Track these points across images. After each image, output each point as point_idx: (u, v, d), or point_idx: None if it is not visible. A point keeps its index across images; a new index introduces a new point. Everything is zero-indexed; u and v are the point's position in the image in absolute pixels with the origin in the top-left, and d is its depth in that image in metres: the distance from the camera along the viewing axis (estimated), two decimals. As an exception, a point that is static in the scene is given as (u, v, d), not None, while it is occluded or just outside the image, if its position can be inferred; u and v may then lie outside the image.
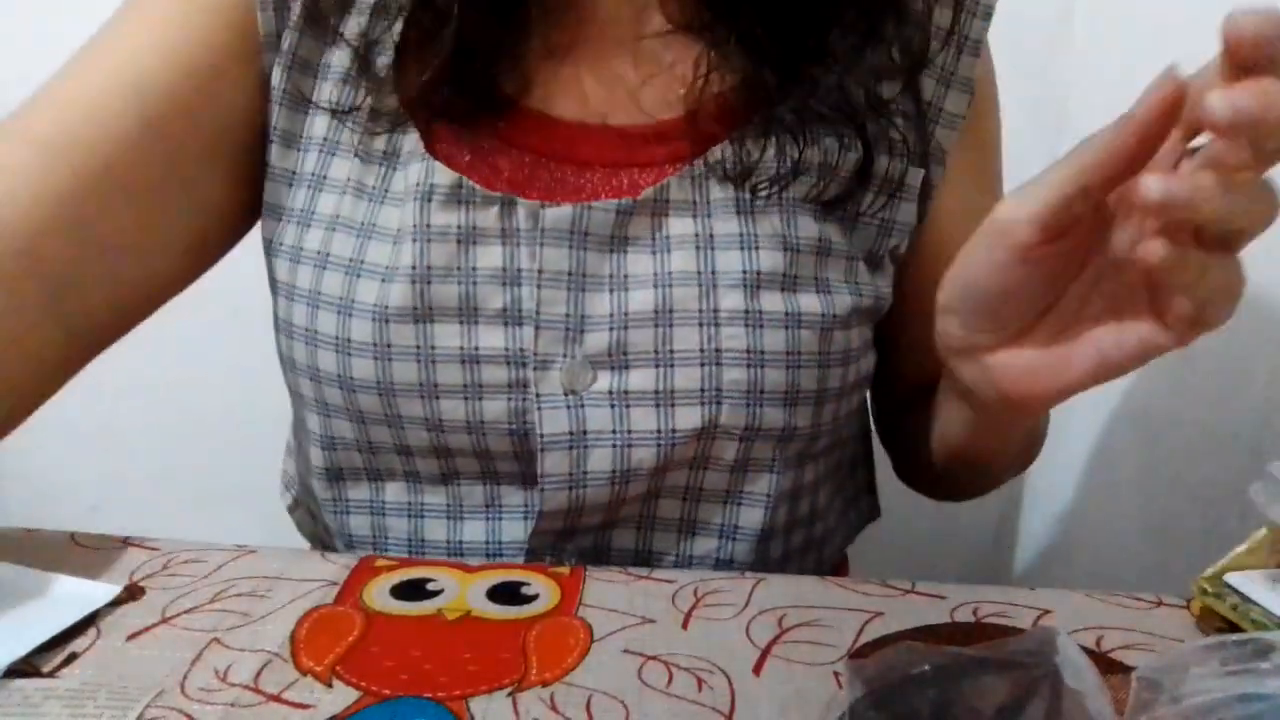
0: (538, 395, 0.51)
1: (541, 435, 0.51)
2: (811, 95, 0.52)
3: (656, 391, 0.51)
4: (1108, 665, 0.43)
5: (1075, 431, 0.93)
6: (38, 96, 0.50)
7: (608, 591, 0.47)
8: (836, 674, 0.41)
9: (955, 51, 0.56)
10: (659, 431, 0.51)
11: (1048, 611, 0.47)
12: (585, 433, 0.51)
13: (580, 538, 0.54)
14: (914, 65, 0.54)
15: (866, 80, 0.53)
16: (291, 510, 0.65)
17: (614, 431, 0.51)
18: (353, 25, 0.53)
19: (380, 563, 0.50)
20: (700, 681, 0.41)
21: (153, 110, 0.50)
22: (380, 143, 0.52)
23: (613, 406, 0.51)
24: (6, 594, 0.45)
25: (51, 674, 0.40)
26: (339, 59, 0.53)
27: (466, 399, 0.51)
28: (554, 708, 0.38)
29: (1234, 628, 0.44)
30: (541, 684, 0.40)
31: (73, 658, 0.41)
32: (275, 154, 0.54)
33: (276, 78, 0.53)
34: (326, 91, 0.54)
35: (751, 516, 0.54)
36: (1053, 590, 0.49)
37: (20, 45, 1.03)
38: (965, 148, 0.58)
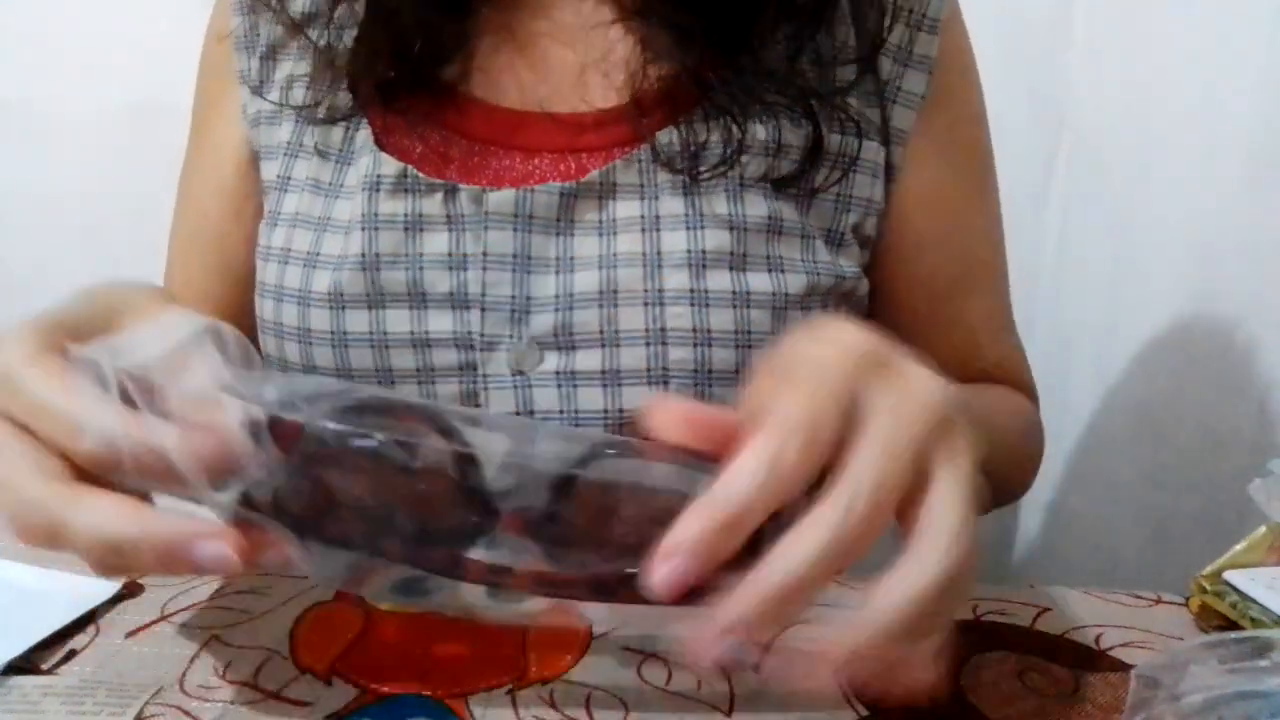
0: (484, 376, 0.52)
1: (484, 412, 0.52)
2: (755, 79, 0.52)
3: (603, 372, 0.51)
4: (1107, 663, 0.43)
5: (1075, 430, 0.93)
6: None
7: (607, 589, 0.47)
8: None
9: (912, 30, 0.56)
10: (606, 411, 0.51)
11: (1047, 609, 0.47)
12: (532, 412, 0.52)
13: None
14: (871, 47, 0.54)
15: (815, 62, 0.53)
16: None
17: (561, 411, 0.51)
18: (314, 33, 0.56)
19: (379, 560, 0.50)
20: (700, 679, 0.40)
21: (216, 247, 0.61)
22: (337, 141, 0.55)
23: (559, 387, 0.51)
24: (5, 591, 0.45)
25: (50, 671, 0.40)
26: (298, 67, 0.57)
27: (420, 383, 0.52)
28: (553, 705, 0.38)
29: (1233, 625, 0.44)
30: (541, 681, 0.40)
31: (72, 655, 0.41)
32: (263, 169, 0.58)
33: (252, 102, 0.58)
34: (289, 97, 0.57)
35: None
36: (1052, 588, 0.49)
37: (20, 44, 1.03)
38: (932, 128, 0.57)
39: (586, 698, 0.39)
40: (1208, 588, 0.46)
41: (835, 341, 0.33)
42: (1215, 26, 0.73)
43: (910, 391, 0.32)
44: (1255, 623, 0.43)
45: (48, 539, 0.33)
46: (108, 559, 0.33)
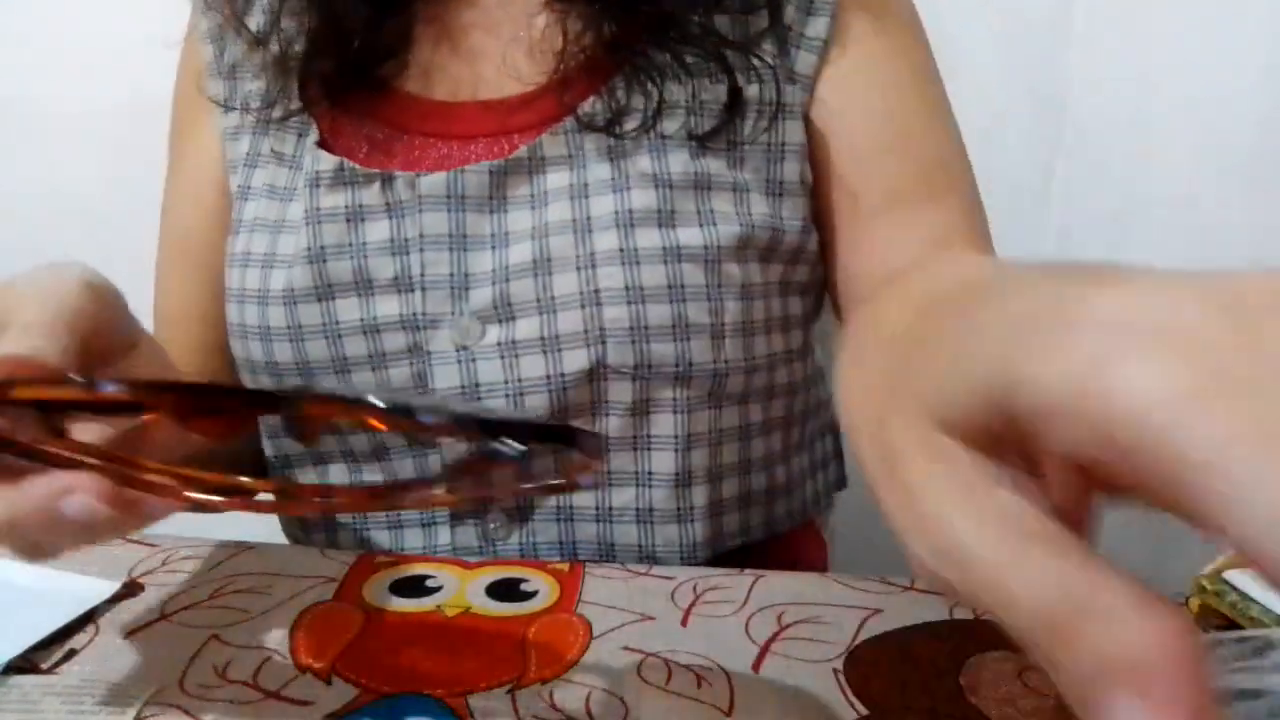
0: (429, 354, 0.53)
1: (434, 391, 0.53)
2: (670, 38, 0.54)
3: (542, 338, 0.52)
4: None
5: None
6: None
7: (607, 588, 0.48)
8: (835, 671, 0.41)
9: None
10: (548, 377, 0.52)
11: (1047, 609, 0.47)
12: (478, 385, 0.53)
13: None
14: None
15: (726, 13, 0.55)
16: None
17: (505, 381, 0.53)
18: (273, 48, 0.58)
19: (379, 559, 0.50)
20: (699, 678, 0.41)
21: (198, 261, 0.62)
22: (290, 147, 0.57)
23: (502, 358, 0.53)
24: (5, 591, 0.45)
25: (50, 670, 0.40)
26: (256, 83, 0.58)
27: (374, 368, 0.53)
28: (553, 705, 0.38)
29: (1233, 625, 0.44)
30: (541, 681, 0.40)
31: (71, 654, 0.41)
32: (230, 182, 0.60)
33: (222, 120, 0.60)
34: (247, 108, 0.58)
35: (663, 461, 0.55)
36: (1052, 588, 0.49)
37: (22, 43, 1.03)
38: (841, 70, 0.56)
39: (586, 697, 0.39)
40: (1208, 587, 0.46)
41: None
42: (1215, 26, 0.73)
43: None
44: (1255, 622, 0.43)
45: None
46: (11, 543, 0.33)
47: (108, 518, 0.31)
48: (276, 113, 0.57)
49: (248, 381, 0.57)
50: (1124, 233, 0.85)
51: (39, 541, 0.34)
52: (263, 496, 0.33)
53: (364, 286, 0.53)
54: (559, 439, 0.30)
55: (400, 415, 0.29)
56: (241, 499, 0.32)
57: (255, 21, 0.59)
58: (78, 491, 0.31)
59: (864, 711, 0.39)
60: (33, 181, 1.03)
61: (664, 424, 0.54)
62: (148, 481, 0.32)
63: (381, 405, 0.28)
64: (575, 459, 0.30)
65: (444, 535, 0.56)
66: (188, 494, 0.32)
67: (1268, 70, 0.66)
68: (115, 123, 1.01)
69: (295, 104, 0.56)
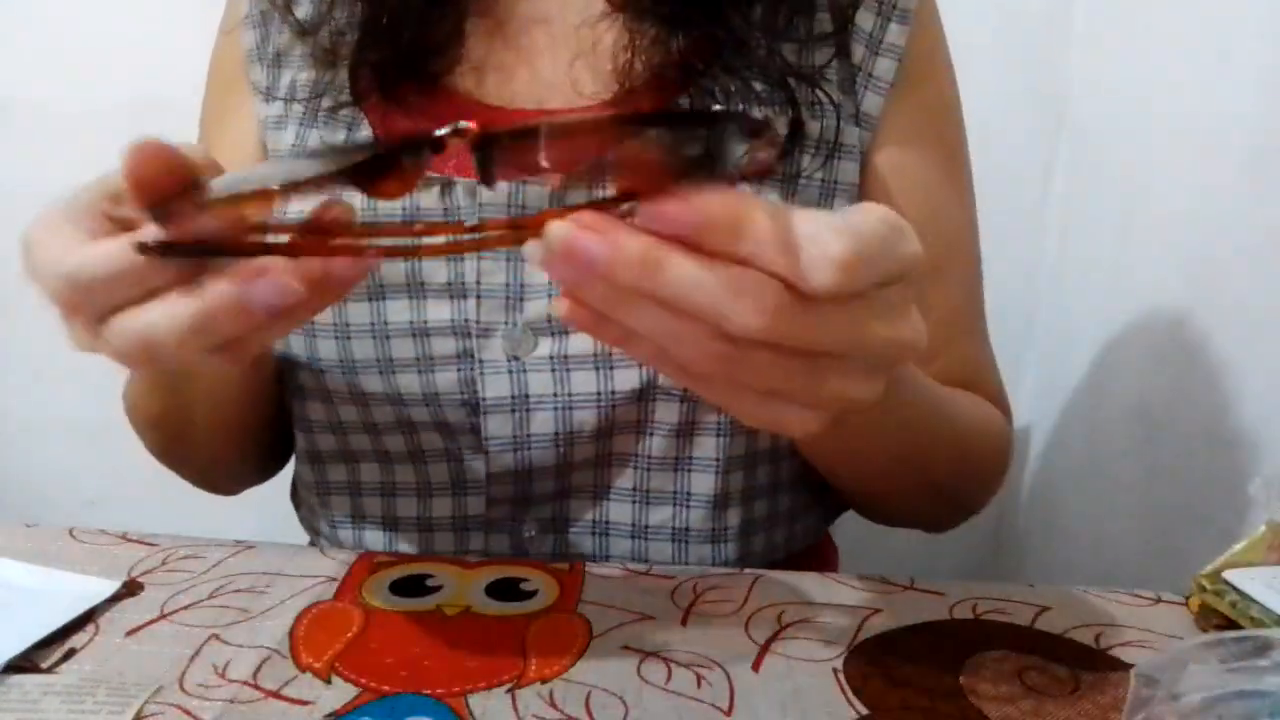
0: (481, 363, 0.53)
1: (484, 399, 0.53)
2: (739, 64, 0.54)
3: (595, 355, 0.52)
4: (1107, 662, 0.43)
5: (1075, 429, 0.93)
6: None
7: (607, 588, 0.48)
8: (835, 671, 0.41)
9: (884, 19, 0.57)
10: (599, 393, 0.53)
11: (1046, 608, 0.47)
12: (527, 396, 0.53)
13: (537, 508, 0.56)
14: (840, 30, 0.56)
15: (793, 46, 0.55)
16: (294, 505, 0.66)
17: (555, 395, 0.53)
18: (322, 38, 0.57)
19: (379, 559, 0.50)
20: (699, 678, 0.41)
21: None
22: (340, 140, 0.56)
23: (553, 371, 0.53)
24: (5, 590, 0.45)
25: (50, 670, 0.40)
26: (301, 72, 0.58)
27: (420, 372, 0.53)
28: (553, 704, 0.39)
29: (1233, 625, 0.44)
30: (540, 680, 0.40)
31: (71, 653, 0.41)
32: None
33: (261, 109, 0.59)
34: (294, 99, 0.58)
35: (703, 482, 0.55)
36: (1052, 587, 0.49)
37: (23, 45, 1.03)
38: (901, 114, 0.58)
39: (586, 697, 0.39)
40: (1207, 587, 0.46)
41: None
42: (1216, 25, 0.73)
43: None
44: (1255, 622, 0.43)
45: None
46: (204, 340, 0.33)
47: (298, 296, 0.31)
48: (325, 103, 0.56)
49: (284, 375, 0.57)
50: (1124, 233, 0.85)
51: (231, 339, 0.33)
52: (468, 236, 0.34)
53: (416, 289, 0.53)
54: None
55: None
56: (433, 243, 0.34)
57: (302, 10, 0.58)
58: (270, 273, 0.31)
59: (864, 711, 0.39)
60: (33, 181, 1.03)
61: (706, 446, 0.55)
62: (335, 247, 0.32)
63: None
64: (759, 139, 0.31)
65: (476, 541, 0.56)
66: (379, 244, 0.33)
67: (1268, 70, 0.66)
68: (115, 123, 1.01)
69: (345, 96, 0.56)
